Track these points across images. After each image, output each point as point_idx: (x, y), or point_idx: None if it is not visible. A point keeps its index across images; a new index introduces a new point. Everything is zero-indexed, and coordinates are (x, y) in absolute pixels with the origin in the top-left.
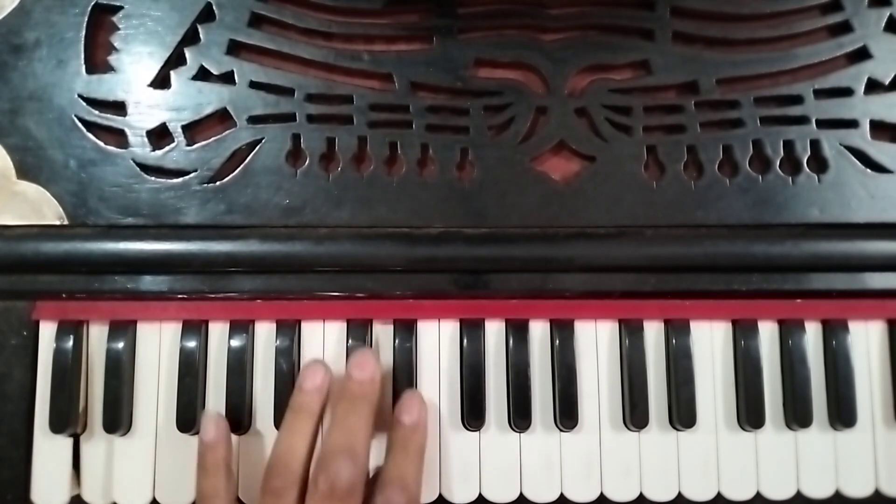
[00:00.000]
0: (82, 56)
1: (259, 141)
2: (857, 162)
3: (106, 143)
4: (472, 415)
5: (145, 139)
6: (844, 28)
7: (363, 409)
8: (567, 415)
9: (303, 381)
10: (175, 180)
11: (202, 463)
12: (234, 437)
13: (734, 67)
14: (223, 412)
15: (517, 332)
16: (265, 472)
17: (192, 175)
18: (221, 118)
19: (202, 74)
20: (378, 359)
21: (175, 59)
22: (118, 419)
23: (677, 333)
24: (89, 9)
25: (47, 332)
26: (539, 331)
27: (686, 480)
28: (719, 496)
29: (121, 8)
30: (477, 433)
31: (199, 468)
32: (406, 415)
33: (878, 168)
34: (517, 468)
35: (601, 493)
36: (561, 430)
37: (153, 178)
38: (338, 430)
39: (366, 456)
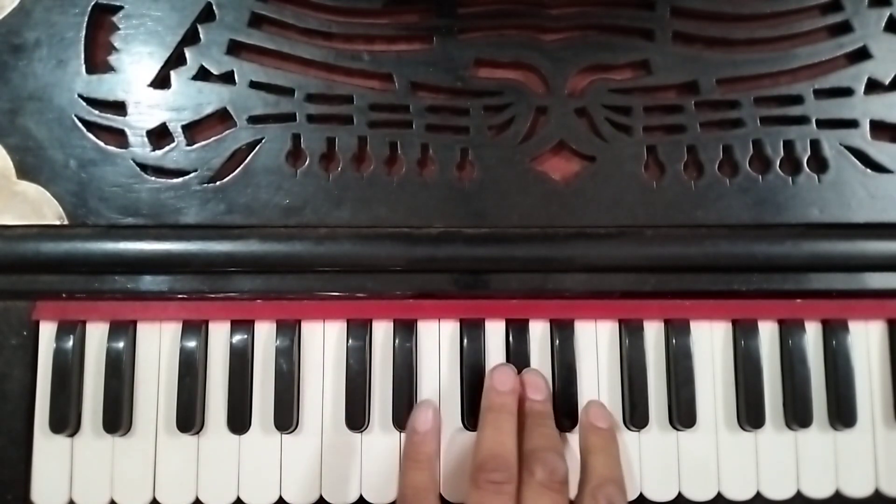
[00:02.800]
0: (82, 56)
1: (259, 141)
2: (857, 162)
3: (106, 143)
4: (473, 415)
5: (145, 139)
6: (844, 28)
7: (549, 422)
8: (567, 415)
9: (495, 383)
10: (175, 180)
11: (413, 455)
12: (234, 438)
13: (734, 67)
14: (223, 414)
15: (517, 332)
16: (478, 467)
17: (192, 175)
18: (221, 118)
19: (202, 74)
20: (545, 378)
21: (175, 59)
22: (118, 419)
23: (677, 333)
24: (89, 9)
25: (47, 332)
26: (539, 331)
27: (686, 480)
28: (719, 496)
29: (121, 8)
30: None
31: (410, 460)
32: (602, 421)
33: (878, 168)
34: None
35: None
36: (561, 431)
37: (153, 178)
38: (536, 437)
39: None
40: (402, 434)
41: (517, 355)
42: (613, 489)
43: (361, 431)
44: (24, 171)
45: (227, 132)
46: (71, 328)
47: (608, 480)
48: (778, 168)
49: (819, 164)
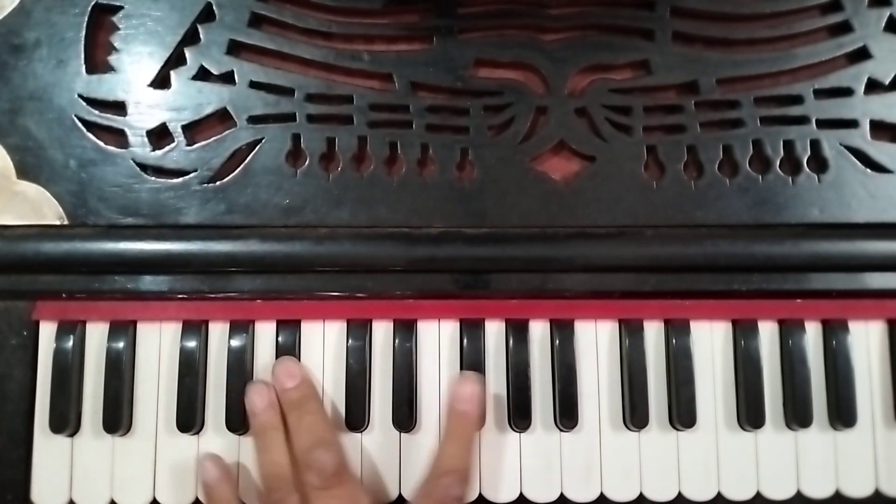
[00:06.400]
0: (82, 56)
1: (259, 141)
2: (857, 162)
3: (106, 143)
4: None
5: (145, 139)
6: (844, 28)
7: (311, 406)
8: (567, 415)
9: (251, 406)
10: (175, 180)
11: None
12: (234, 438)
13: (734, 67)
14: (223, 414)
15: (517, 332)
16: (262, 492)
17: (192, 175)
18: (221, 118)
19: (202, 74)
20: (297, 361)
21: (175, 59)
22: (118, 419)
23: (677, 333)
24: (89, 9)
25: (47, 332)
26: (539, 331)
27: (686, 480)
28: (719, 496)
29: (121, 8)
30: (477, 433)
31: None
32: (467, 403)
33: (878, 168)
34: (517, 468)
35: (601, 493)
36: (561, 430)
37: (153, 178)
38: (300, 433)
39: (336, 440)
40: (402, 434)
41: (517, 355)
42: (451, 479)
43: (361, 431)
44: (24, 171)
45: (227, 132)
46: (71, 328)
47: (449, 471)
48: (778, 168)
49: (819, 164)
